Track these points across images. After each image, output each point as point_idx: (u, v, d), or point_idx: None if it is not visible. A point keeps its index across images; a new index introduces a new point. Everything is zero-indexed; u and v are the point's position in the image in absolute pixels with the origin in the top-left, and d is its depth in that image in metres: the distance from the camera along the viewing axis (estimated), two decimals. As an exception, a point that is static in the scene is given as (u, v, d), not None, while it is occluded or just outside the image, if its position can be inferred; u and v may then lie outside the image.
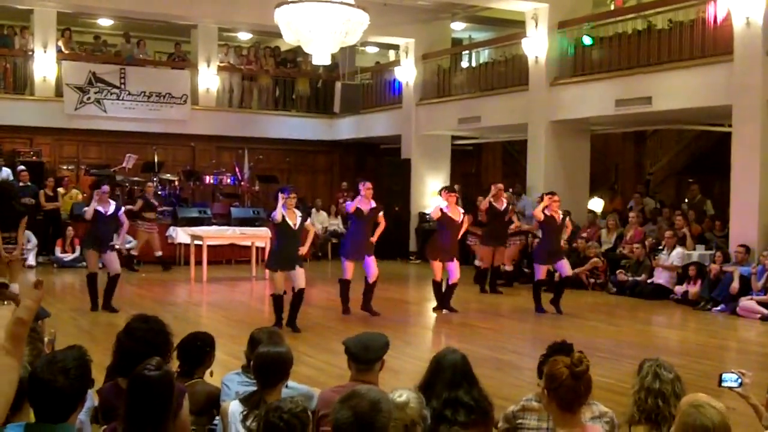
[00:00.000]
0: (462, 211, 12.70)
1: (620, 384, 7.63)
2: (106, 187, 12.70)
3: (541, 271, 12.88)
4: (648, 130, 20.48)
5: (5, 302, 4.82)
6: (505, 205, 14.94)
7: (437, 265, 12.45)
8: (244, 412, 4.22)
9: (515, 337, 11.19)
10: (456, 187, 15.07)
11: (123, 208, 13.00)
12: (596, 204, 19.34)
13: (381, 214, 12.22)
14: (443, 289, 12.59)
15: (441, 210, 12.35)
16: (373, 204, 12.15)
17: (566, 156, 18.00)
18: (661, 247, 15.14)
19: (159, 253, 17.79)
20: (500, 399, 6.73)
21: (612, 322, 12.53)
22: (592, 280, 15.69)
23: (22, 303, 1.15)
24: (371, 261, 12.06)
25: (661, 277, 14.68)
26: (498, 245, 15.09)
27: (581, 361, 3.58)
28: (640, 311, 13.46)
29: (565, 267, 12.92)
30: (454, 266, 12.43)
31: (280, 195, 10.96)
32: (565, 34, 17.50)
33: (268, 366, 4.34)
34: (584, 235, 16.83)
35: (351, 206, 12.18)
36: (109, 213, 12.28)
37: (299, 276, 10.86)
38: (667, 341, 11.52)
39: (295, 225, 10.87)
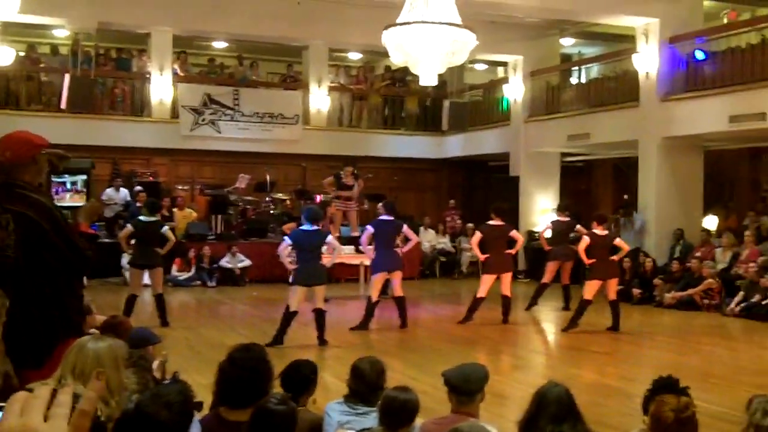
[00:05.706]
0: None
1: (734, 413, 7.40)
2: None
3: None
4: (764, 146, 19.82)
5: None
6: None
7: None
8: None
9: (626, 363, 10.93)
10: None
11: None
12: (711, 222, 18.80)
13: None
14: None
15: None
16: None
17: (679, 173, 17.56)
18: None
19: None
20: (608, 428, 6.65)
21: (728, 345, 12.18)
22: (706, 301, 15.22)
23: (84, 395, 1.21)
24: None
25: (780, 299, 14.13)
26: (564, 261, 15.00)
27: (687, 407, 3.52)
28: (757, 335, 13.00)
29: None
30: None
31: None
32: (677, 49, 17.12)
33: (394, 411, 4.38)
34: (698, 254, 16.33)
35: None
36: None
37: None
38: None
39: None
